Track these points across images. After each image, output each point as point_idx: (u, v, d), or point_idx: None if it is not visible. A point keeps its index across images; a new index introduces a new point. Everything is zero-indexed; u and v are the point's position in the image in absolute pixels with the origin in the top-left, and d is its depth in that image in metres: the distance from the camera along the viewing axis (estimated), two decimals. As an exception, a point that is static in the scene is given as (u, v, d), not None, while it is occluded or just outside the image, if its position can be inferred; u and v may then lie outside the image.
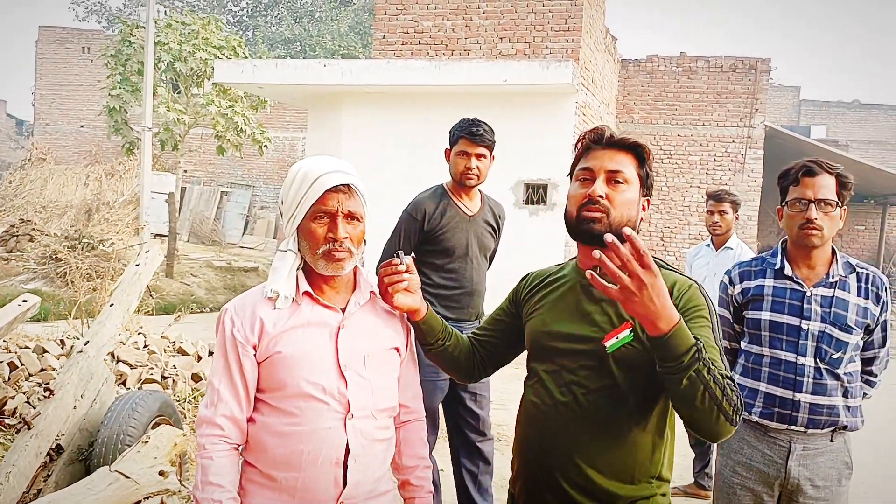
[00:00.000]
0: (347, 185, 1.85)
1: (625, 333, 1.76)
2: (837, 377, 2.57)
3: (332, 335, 1.88)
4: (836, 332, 2.56)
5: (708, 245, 5.09)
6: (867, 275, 2.63)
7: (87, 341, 3.74)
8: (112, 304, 3.95)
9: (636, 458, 1.82)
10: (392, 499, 2.02)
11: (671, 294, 1.76)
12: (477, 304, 3.66)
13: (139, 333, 6.07)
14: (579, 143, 1.94)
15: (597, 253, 1.52)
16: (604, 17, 12.35)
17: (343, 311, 1.91)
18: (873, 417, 3.14)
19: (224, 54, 15.81)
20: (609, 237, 1.53)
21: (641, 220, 1.93)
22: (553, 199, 10.03)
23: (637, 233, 1.82)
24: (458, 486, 3.68)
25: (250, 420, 1.87)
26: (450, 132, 3.55)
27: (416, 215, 3.51)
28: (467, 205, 3.60)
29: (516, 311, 2.08)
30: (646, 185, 1.91)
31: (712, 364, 1.63)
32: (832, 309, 2.57)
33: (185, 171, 21.24)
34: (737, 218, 5.02)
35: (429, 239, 3.52)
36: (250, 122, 16.10)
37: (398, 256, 1.88)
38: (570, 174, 1.94)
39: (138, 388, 4.87)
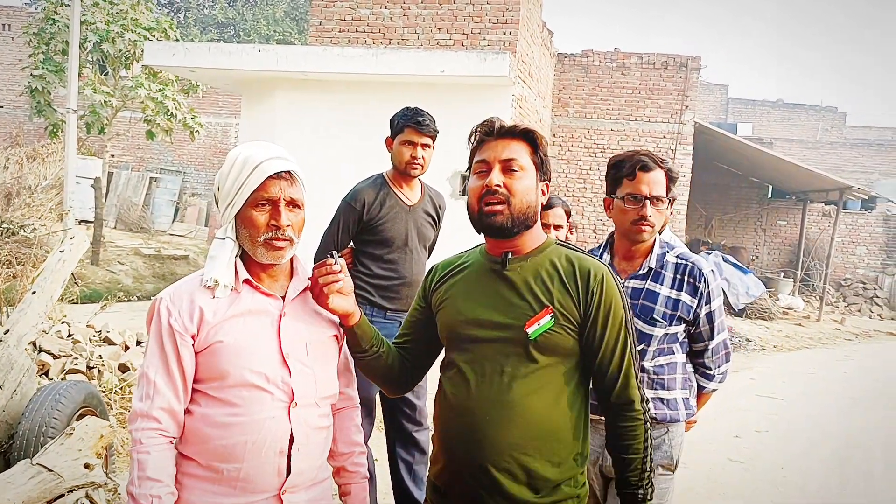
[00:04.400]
0: (289, 171, 1.82)
1: (546, 319, 1.81)
2: (643, 369, 2.55)
3: (273, 323, 1.85)
4: (640, 325, 2.53)
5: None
6: (684, 265, 2.60)
7: (7, 330, 3.59)
8: (34, 292, 3.79)
9: (562, 440, 1.85)
10: (329, 486, 2.01)
11: (587, 281, 1.85)
12: (415, 295, 3.64)
13: (63, 322, 5.86)
14: (472, 138, 1.95)
15: None
16: (541, 10, 12.44)
17: (283, 298, 1.88)
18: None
19: (154, 36, 15.34)
20: None
21: (544, 205, 1.96)
22: (489, 190, 10.09)
23: (533, 221, 1.89)
24: (393, 475, 3.67)
25: (187, 412, 1.82)
26: (392, 121, 3.51)
27: (356, 205, 3.47)
28: (407, 195, 3.58)
29: (426, 305, 2.06)
30: (542, 171, 1.92)
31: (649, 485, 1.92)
32: (640, 301, 2.55)
33: (113, 156, 20.56)
34: (671, 213, 5.15)
35: (368, 229, 3.48)
36: (181, 106, 15.65)
37: (332, 256, 1.84)
38: (468, 170, 1.95)
39: (62, 379, 4.71)
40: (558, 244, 1.94)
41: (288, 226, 1.81)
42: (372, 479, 3.62)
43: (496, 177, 1.85)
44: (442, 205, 3.77)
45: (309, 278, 1.92)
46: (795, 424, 7.43)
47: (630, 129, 14.34)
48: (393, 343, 2.12)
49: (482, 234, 1.94)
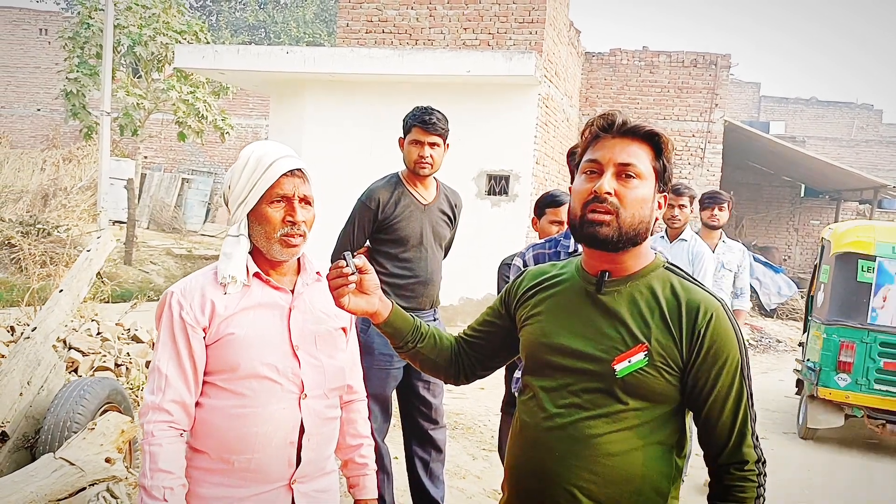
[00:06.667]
0: (300, 169, 1.88)
1: (638, 357, 1.60)
2: None
3: (283, 316, 1.90)
4: None
5: (662, 237, 5.15)
6: None
7: (35, 328, 3.68)
8: (61, 290, 3.88)
9: (643, 491, 1.63)
10: (336, 478, 2.05)
11: (694, 320, 1.62)
12: (431, 294, 3.66)
13: (93, 321, 5.97)
14: (587, 131, 1.71)
15: None
16: (567, 9, 12.40)
17: (292, 292, 1.94)
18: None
19: (185, 39, 15.57)
20: None
21: (657, 219, 1.70)
22: (515, 190, 10.07)
23: (651, 234, 1.70)
24: (409, 473, 3.69)
25: (197, 404, 1.86)
26: (403, 120, 3.53)
27: (370, 204, 3.49)
28: (422, 193, 3.59)
29: (507, 313, 1.88)
30: (662, 180, 1.68)
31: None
32: None
33: (146, 158, 20.90)
34: (692, 211, 5.11)
35: (383, 228, 3.50)
36: (212, 108, 15.87)
37: (344, 258, 1.80)
38: (577, 165, 1.72)
39: (90, 376, 4.80)
40: (666, 268, 1.71)
41: (303, 221, 1.87)
42: (389, 476, 3.65)
43: (608, 182, 1.62)
44: (458, 203, 3.77)
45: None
46: (825, 426, 7.31)
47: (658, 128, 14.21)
48: (462, 334, 1.97)
49: (581, 245, 1.73)
